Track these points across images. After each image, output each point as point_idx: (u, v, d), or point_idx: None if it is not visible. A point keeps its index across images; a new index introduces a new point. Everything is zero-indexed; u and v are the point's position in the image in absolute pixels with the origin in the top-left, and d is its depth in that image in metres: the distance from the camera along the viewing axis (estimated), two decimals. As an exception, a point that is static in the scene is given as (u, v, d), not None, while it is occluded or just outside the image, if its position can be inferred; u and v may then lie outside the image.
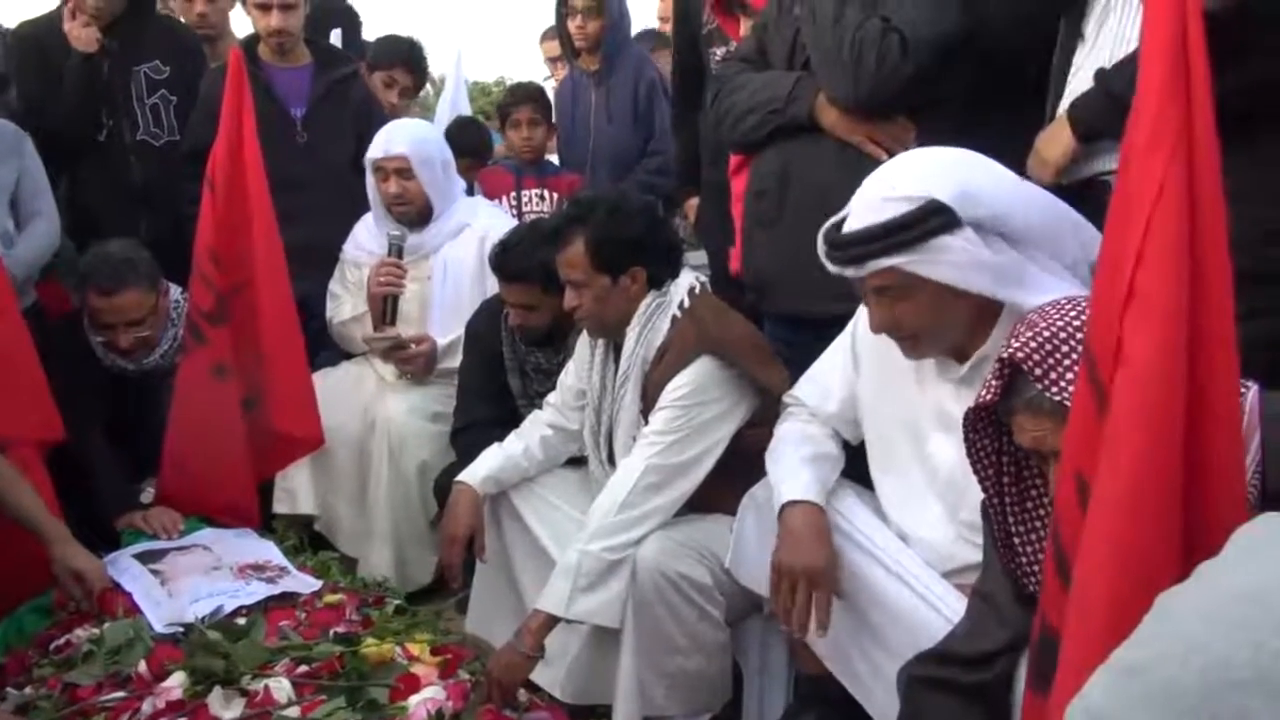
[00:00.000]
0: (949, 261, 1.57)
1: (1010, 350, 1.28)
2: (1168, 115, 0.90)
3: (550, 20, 4.18)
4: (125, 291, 2.57)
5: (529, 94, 3.90)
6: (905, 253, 1.58)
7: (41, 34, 3.29)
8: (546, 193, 3.77)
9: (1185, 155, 0.90)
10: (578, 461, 2.42)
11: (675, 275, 2.22)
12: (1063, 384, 1.23)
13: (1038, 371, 1.26)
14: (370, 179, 2.98)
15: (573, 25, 3.76)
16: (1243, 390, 1.11)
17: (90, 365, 2.67)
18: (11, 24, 3.64)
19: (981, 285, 1.59)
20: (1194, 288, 0.92)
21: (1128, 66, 1.78)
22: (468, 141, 3.90)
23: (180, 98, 3.31)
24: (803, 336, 2.28)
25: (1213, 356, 0.95)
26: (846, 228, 1.66)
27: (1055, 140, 1.93)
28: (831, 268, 1.70)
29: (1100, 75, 1.86)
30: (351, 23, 4.25)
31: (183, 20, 3.72)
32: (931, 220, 1.57)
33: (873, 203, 1.63)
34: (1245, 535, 0.80)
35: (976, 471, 1.42)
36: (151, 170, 3.28)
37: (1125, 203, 0.95)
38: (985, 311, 1.64)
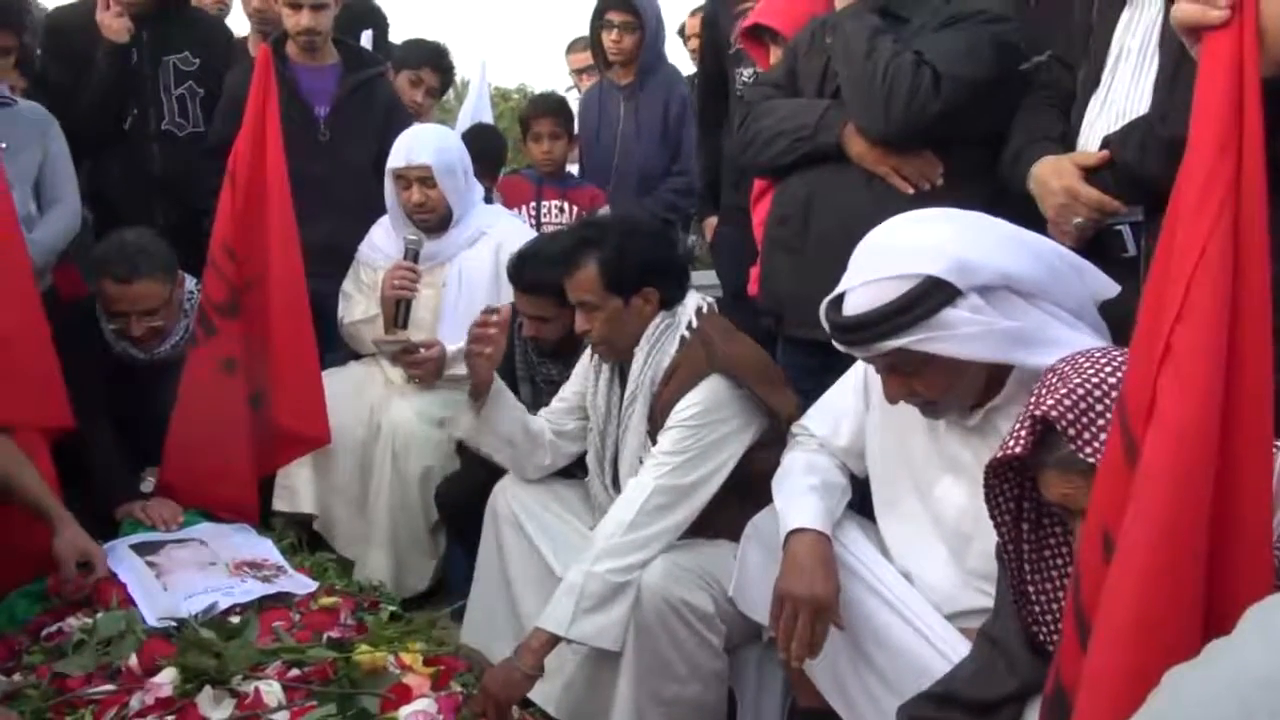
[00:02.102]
0: (956, 335, 1.55)
1: (1044, 408, 1.26)
2: (1218, 175, 0.89)
3: (575, 31, 4.18)
4: (141, 281, 2.56)
5: (550, 106, 3.88)
6: (910, 333, 1.56)
7: (72, 22, 3.30)
8: (566, 205, 3.76)
9: (1232, 216, 0.89)
10: (571, 475, 2.41)
11: (684, 297, 2.22)
12: (1096, 444, 1.20)
13: (1071, 432, 1.23)
14: (390, 185, 2.96)
15: (608, 39, 3.75)
16: (1276, 451, 1.09)
17: (99, 352, 2.67)
18: (50, 4, 3.67)
19: (990, 354, 1.57)
20: (1232, 348, 0.91)
21: (1132, 135, 1.76)
22: (482, 149, 3.90)
23: (208, 90, 3.32)
24: (819, 363, 2.26)
25: (1247, 418, 0.93)
26: (846, 309, 1.64)
27: (1058, 171, 1.88)
28: (839, 347, 1.69)
29: (1106, 145, 1.83)
30: (379, 24, 4.26)
31: (244, 14, 3.73)
32: (932, 298, 1.55)
33: (869, 284, 1.61)
34: (1257, 615, 0.79)
35: (994, 519, 1.40)
36: (172, 160, 3.29)
37: (1168, 259, 0.93)
38: (1000, 367, 1.63)
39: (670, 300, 2.18)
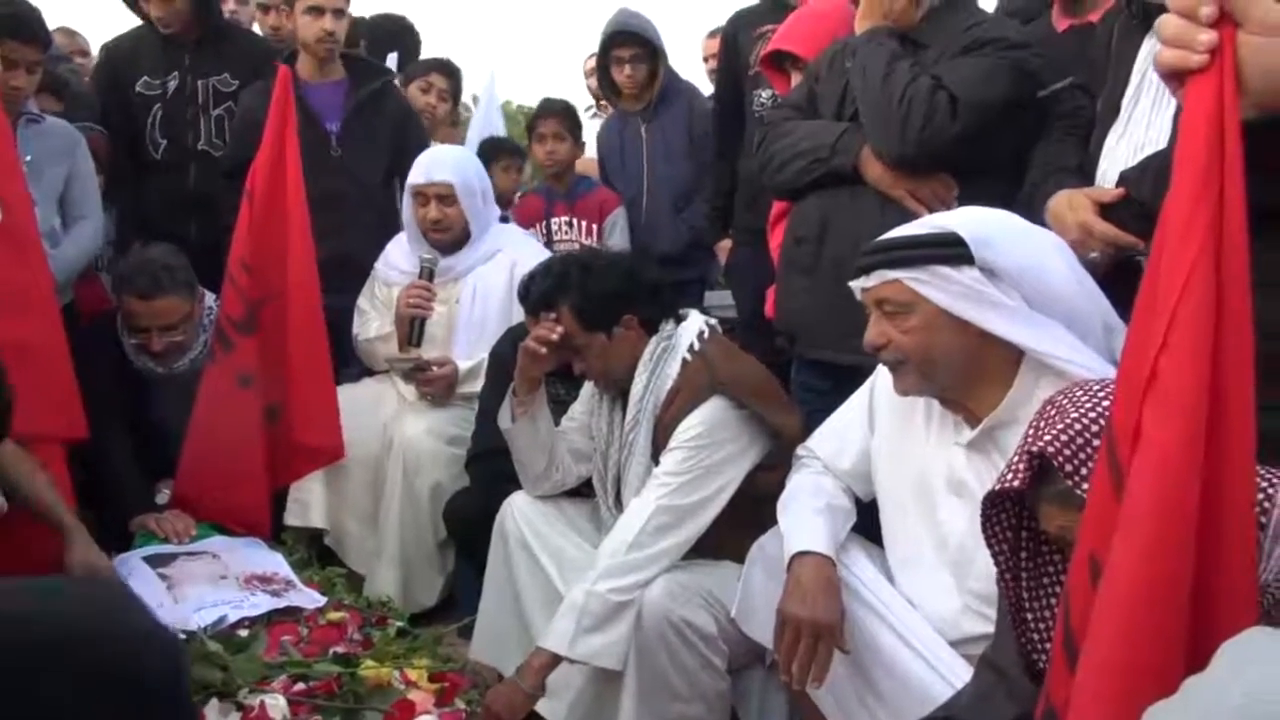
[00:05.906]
0: (947, 288, 1.64)
1: (1041, 443, 1.25)
2: (1201, 210, 0.91)
3: (594, 49, 4.18)
4: (163, 297, 2.61)
5: (553, 109, 3.88)
6: (909, 269, 1.66)
7: (121, 52, 3.43)
8: (574, 220, 3.75)
9: (1214, 249, 0.92)
10: (580, 494, 2.42)
11: (669, 314, 2.24)
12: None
13: (1068, 468, 1.22)
14: (407, 202, 2.99)
15: (621, 75, 3.69)
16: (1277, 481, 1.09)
17: (118, 366, 2.70)
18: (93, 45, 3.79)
19: (979, 317, 1.63)
20: (1215, 378, 0.92)
21: (1149, 172, 1.76)
22: (502, 148, 3.94)
23: None
24: (831, 384, 2.27)
25: (1230, 445, 0.94)
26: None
27: (1073, 206, 1.89)
28: (852, 283, 1.76)
29: (1123, 181, 1.83)
30: (412, 44, 4.31)
31: (257, 30, 3.81)
32: (943, 248, 1.64)
33: (911, 225, 1.74)
34: (1230, 649, 0.81)
35: (992, 549, 1.39)
36: (207, 179, 3.35)
37: (1153, 291, 0.95)
38: (985, 360, 1.65)
39: (653, 321, 2.21)
